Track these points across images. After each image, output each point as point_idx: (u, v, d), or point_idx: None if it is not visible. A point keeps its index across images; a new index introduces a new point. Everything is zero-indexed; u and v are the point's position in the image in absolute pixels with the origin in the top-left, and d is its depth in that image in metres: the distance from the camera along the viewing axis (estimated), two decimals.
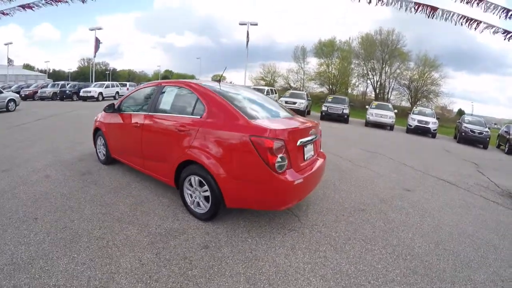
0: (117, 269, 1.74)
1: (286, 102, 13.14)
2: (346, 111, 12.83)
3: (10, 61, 25.27)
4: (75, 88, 18.26)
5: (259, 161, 2.01)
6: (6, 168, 3.42)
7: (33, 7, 6.97)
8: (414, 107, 15.58)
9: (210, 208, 2.31)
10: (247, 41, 18.19)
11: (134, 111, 3.15)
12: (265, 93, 14.32)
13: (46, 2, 6.93)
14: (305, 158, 2.42)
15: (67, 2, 6.89)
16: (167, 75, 61.99)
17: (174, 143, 2.50)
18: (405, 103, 29.61)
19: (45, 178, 3.16)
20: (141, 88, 3.31)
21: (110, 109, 3.39)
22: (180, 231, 2.24)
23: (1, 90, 10.36)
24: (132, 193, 2.90)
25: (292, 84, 34.45)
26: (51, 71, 60.27)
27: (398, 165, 5.36)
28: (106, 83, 19.57)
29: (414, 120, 12.12)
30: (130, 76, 60.72)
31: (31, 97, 17.40)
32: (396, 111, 13.32)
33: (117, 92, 19.44)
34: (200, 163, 2.25)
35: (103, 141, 3.69)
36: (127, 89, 19.98)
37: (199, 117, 2.40)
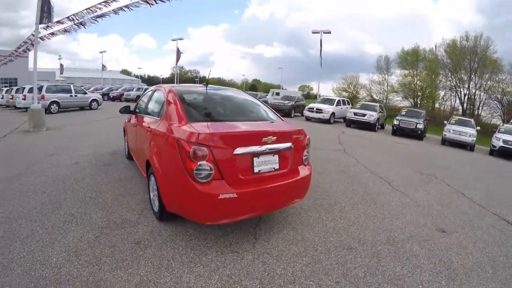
0: (61, 239, 2.40)
1: (355, 114, 13.69)
2: (420, 126, 12.41)
3: (104, 67, 35.48)
4: None
5: (180, 166, 2.22)
6: (53, 154, 5.02)
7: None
8: (501, 125, 13.93)
9: (159, 208, 2.72)
10: (321, 50, 19.08)
11: (138, 113, 3.99)
12: (335, 104, 14.98)
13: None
14: (255, 171, 2.43)
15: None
16: (255, 84, 69.24)
17: (146, 143, 3.08)
18: (497, 120, 27.96)
19: (74, 164, 4.45)
20: (146, 92, 4.17)
21: (126, 111, 4.30)
22: (132, 224, 2.75)
23: (85, 91, 14.38)
24: (126, 186, 3.69)
25: (374, 96, 36.11)
26: (146, 76, 78.69)
27: (452, 195, 4.47)
28: None
29: (499, 139, 11.11)
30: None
31: (118, 98, 23.49)
32: (478, 128, 12.78)
33: None
34: (151, 162, 2.72)
35: (125, 139, 4.80)
36: None
37: (159, 118, 2.88)
